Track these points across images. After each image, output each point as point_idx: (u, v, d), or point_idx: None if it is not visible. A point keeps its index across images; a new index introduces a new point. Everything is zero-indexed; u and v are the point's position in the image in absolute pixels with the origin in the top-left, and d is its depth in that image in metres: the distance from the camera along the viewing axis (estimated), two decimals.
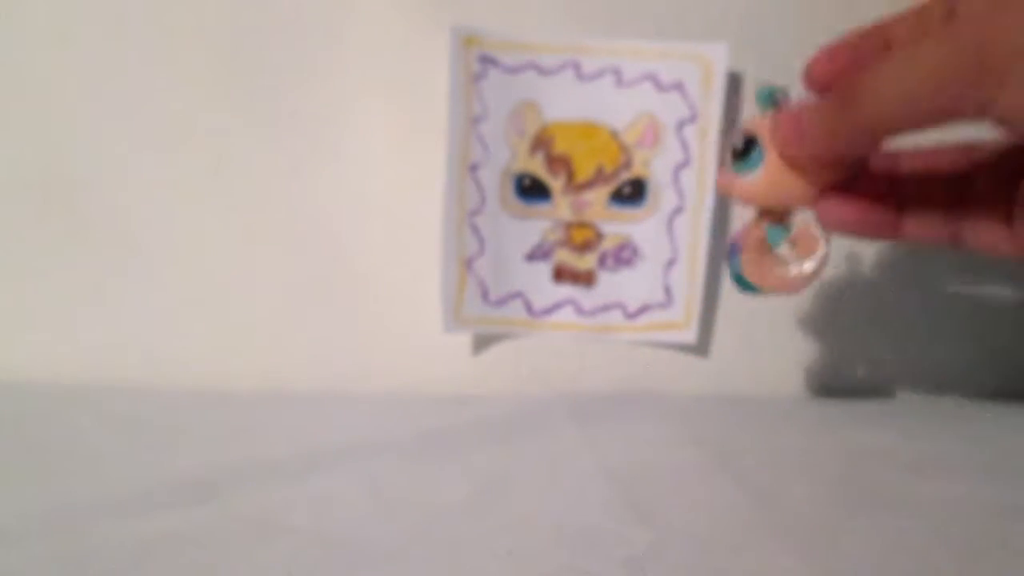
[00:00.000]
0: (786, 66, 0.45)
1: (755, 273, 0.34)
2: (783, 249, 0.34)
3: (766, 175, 0.32)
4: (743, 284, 0.35)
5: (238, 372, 0.46)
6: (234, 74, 0.46)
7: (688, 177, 0.45)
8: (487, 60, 0.44)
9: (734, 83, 0.45)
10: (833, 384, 0.47)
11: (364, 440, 0.36)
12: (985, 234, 0.33)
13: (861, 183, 0.33)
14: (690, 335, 0.46)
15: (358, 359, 0.47)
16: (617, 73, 0.45)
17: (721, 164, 0.34)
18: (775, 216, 0.34)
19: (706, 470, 0.31)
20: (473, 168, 0.45)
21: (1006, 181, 0.33)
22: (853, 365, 0.49)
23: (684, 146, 0.45)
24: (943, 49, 0.26)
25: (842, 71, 0.33)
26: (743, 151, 0.32)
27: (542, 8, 0.45)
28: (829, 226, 0.34)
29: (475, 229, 0.45)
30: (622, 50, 0.45)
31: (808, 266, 0.34)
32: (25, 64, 0.45)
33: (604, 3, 0.45)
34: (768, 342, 0.48)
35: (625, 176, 0.45)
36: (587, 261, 0.46)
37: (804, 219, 0.34)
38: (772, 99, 0.33)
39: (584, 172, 0.45)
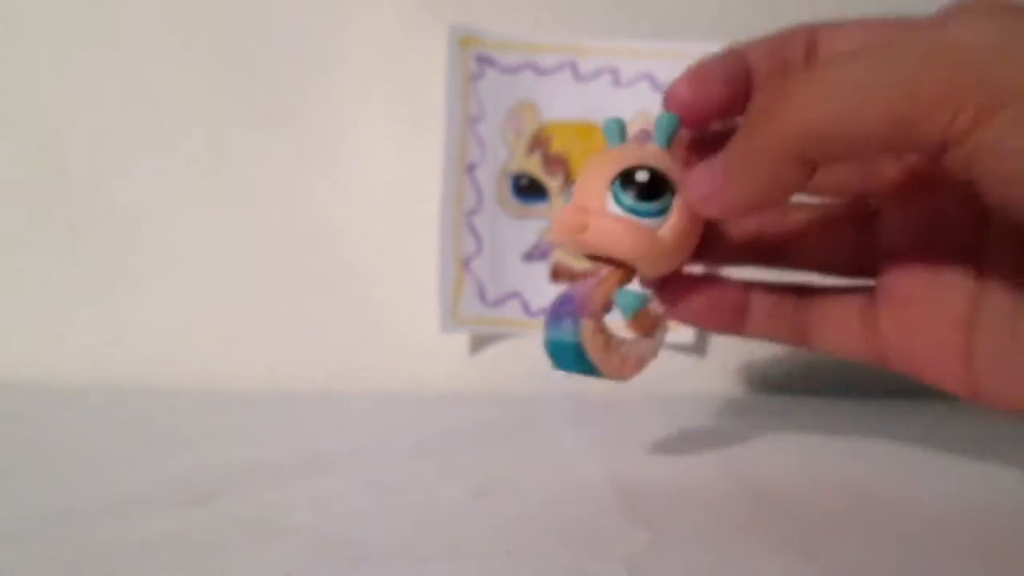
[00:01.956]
0: None
1: (599, 351, 0.26)
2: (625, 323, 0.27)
3: (676, 226, 0.26)
4: (574, 359, 0.26)
5: (237, 372, 0.46)
6: (231, 74, 0.46)
7: None
8: (484, 60, 0.44)
9: None
10: (833, 384, 0.47)
11: (362, 440, 0.36)
12: (834, 331, 0.29)
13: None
14: (687, 335, 0.46)
15: (355, 359, 0.47)
16: (614, 73, 0.45)
17: (583, 196, 0.26)
18: (628, 277, 0.27)
19: (705, 469, 0.31)
20: (470, 168, 0.45)
21: (865, 263, 0.28)
22: (854, 364, 0.49)
23: None
24: (927, 56, 0.20)
25: (712, 102, 0.27)
26: (649, 191, 0.25)
27: (539, 8, 0.45)
28: (675, 314, 0.29)
29: (472, 229, 0.45)
30: (619, 50, 0.45)
31: (645, 348, 0.27)
32: (25, 64, 0.45)
33: (602, 3, 0.45)
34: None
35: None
36: (584, 261, 0.46)
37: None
38: (669, 130, 0.26)
39: None
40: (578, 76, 0.45)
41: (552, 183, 0.46)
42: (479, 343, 0.47)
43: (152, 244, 0.46)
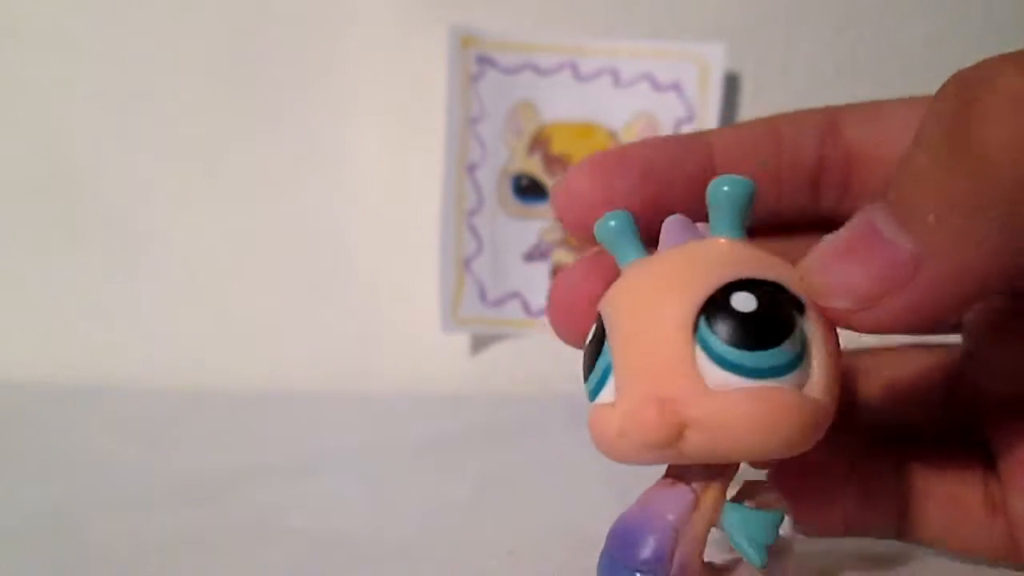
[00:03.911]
0: (783, 67, 0.46)
1: None
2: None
3: (828, 372, 0.15)
4: None
5: (238, 372, 0.46)
6: (232, 74, 0.46)
7: None
8: (485, 60, 0.44)
9: (731, 83, 0.45)
10: None
11: (363, 440, 0.36)
12: (948, 517, 0.20)
13: None
14: None
15: (356, 359, 0.47)
16: (614, 73, 0.45)
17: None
18: (732, 476, 0.16)
19: None
20: (471, 168, 0.45)
21: (955, 418, 0.21)
22: None
23: None
24: None
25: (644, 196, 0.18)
26: (766, 325, 0.15)
27: (539, 8, 0.45)
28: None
29: (473, 229, 0.45)
30: (619, 50, 0.45)
31: None
32: (25, 65, 0.45)
33: (602, 3, 0.45)
34: None
35: None
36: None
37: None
38: (739, 205, 0.16)
39: None
40: (578, 76, 0.45)
41: (552, 184, 0.46)
42: (480, 343, 0.47)
43: (152, 244, 0.46)
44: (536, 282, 0.46)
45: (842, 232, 0.15)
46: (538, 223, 0.46)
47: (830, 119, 0.20)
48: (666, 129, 0.45)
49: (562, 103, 0.45)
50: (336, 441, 0.35)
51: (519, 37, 0.45)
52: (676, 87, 0.45)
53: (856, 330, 0.15)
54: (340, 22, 0.45)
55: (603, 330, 0.16)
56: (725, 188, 0.15)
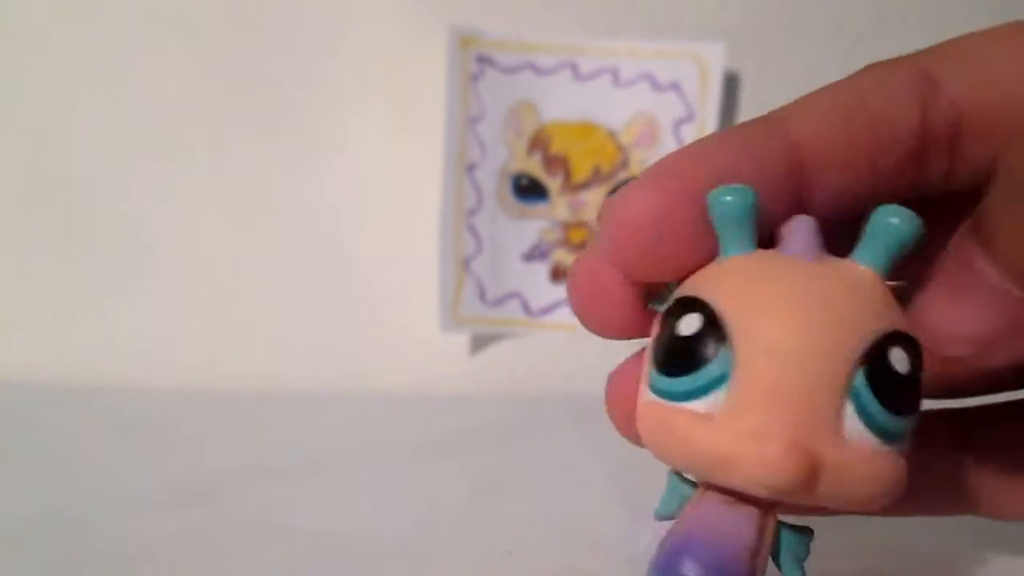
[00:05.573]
0: (783, 67, 0.46)
1: None
2: None
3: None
4: None
5: (237, 372, 0.46)
6: (231, 74, 0.46)
7: None
8: (484, 60, 0.44)
9: (731, 83, 0.45)
10: None
11: (363, 440, 0.36)
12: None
13: None
14: None
15: (356, 359, 0.47)
16: (614, 73, 0.45)
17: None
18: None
19: None
20: (470, 168, 0.45)
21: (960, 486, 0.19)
22: None
23: (681, 146, 0.45)
24: None
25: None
26: (910, 388, 0.14)
27: (539, 8, 0.45)
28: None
29: (472, 229, 0.45)
30: (619, 50, 0.45)
31: None
32: (24, 66, 0.45)
33: (601, 3, 0.45)
34: None
35: (622, 176, 0.46)
36: None
37: None
38: (903, 240, 0.14)
39: (581, 172, 0.46)
40: (578, 76, 0.45)
41: (552, 183, 0.46)
42: (479, 343, 0.47)
43: (152, 244, 0.46)
44: (535, 282, 0.46)
45: (942, 273, 0.14)
46: (538, 223, 0.46)
47: (923, 75, 0.17)
48: (665, 129, 0.45)
49: (562, 103, 0.45)
50: (336, 441, 0.35)
51: (519, 37, 0.45)
52: (676, 87, 0.45)
53: (976, 374, 0.14)
54: (340, 22, 0.45)
55: (718, 329, 0.14)
56: (895, 221, 0.14)
